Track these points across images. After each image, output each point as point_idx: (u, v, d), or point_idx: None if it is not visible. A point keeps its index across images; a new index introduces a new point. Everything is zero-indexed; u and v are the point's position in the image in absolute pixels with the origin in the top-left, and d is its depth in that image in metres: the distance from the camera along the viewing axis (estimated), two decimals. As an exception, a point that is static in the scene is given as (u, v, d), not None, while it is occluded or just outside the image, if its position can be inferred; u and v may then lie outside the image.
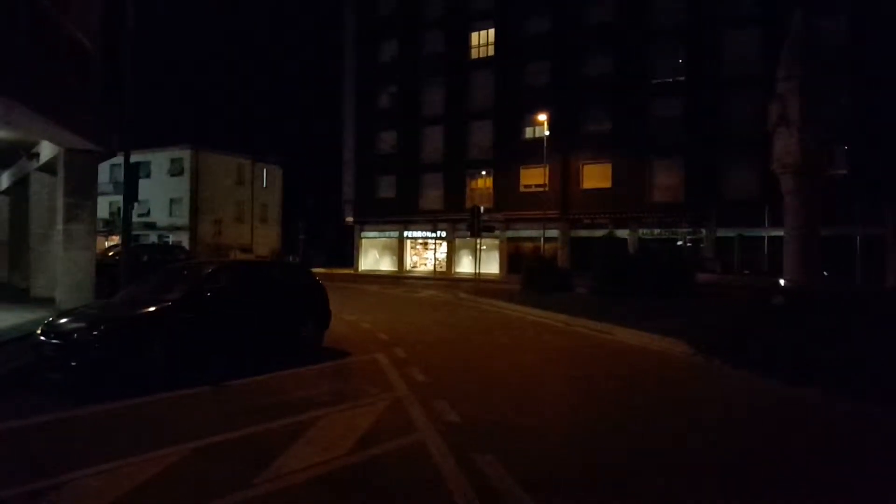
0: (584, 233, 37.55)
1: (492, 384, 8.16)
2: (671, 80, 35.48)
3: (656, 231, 35.40)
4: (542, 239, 36.93)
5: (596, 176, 37.81)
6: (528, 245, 39.84)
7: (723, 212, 33.30)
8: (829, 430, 6.32)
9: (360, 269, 46.43)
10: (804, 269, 14.57)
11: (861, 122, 29.52)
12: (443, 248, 43.72)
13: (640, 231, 35.65)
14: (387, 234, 46.27)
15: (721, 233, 34.14)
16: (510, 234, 40.72)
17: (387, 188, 45.51)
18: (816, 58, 13.93)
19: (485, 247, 42.45)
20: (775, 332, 10.06)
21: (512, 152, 40.21)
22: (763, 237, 32.49)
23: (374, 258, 47.22)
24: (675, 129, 35.21)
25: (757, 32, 33.22)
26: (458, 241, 42.70)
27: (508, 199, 40.18)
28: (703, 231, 34.29)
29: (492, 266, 41.36)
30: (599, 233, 33.45)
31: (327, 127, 51.42)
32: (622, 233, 34.49)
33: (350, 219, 47.45)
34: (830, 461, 5.33)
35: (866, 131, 29.67)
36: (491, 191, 41.48)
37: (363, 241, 47.38)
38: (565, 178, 38.36)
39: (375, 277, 38.98)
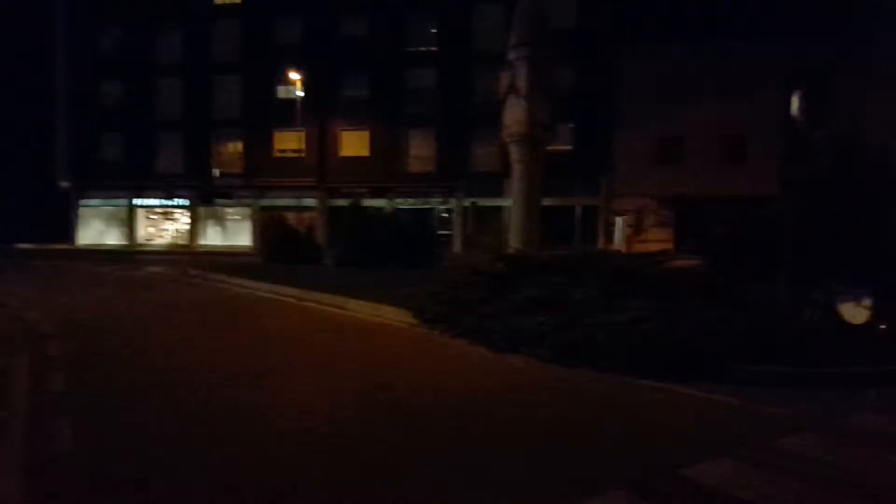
0: (342, 202, 36.41)
1: (137, 392, 6.49)
2: (424, 49, 35.63)
3: (411, 201, 35.68)
4: (298, 209, 35.03)
5: (354, 144, 36.80)
6: (287, 216, 37.61)
7: (471, 182, 34.61)
8: (518, 393, 5.92)
9: (79, 244, 39.65)
10: (528, 236, 15.07)
11: (583, 100, 32.35)
12: (186, 219, 39.33)
13: (397, 201, 35.65)
14: (114, 202, 40.10)
15: (471, 202, 35.55)
16: (265, 202, 38.03)
17: (113, 148, 39.31)
18: (545, 28, 14.17)
19: (237, 217, 39.40)
20: (493, 300, 9.87)
21: (264, 113, 37.33)
22: (502, 207, 34.63)
23: (97, 231, 40.62)
24: (428, 99, 35.54)
25: (502, 8, 34.68)
26: (203, 210, 38.72)
27: (262, 165, 37.39)
28: (453, 201, 35.38)
29: (243, 238, 38.34)
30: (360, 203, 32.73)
31: (30, 69, 42.41)
32: (380, 202, 34.14)
33: (66, 184, 40.19)
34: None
35: (586, 108, 32.65)
36: (241, 155, 38.20)
37: (83, 210, 40.57)
38: (323, 144, 36.76)
39: (100, 253, 33.53)
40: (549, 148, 15.71)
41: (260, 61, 37.30)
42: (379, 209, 32.00)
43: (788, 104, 8.07)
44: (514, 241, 15.50)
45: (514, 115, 13.69)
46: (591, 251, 13.20)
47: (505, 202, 33.75)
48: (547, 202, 35.91)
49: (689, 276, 11.73)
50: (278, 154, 37.88)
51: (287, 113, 35.96)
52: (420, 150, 36.20)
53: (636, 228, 33.54)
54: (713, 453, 4.56)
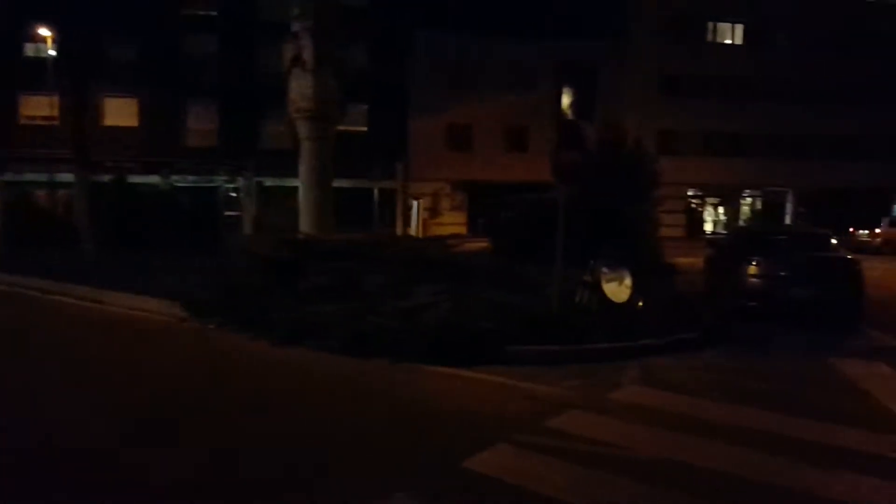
0: (107, 178, 32.14)
1: None
2: (203, 13, 32.63)
3: (191, 179, 32.68)
4: (52, 185, 30.12)
5: (120, 112, 32.59)
6: (37, 193, 32.22)
7: (261, 160, 32.68)
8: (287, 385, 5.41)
9: None
10: (320, 219, 14.43)
11: (377, 81, 32.15)
12: None
13: (174, 178, 32.40)
14: None
15: (261, 181, 33.60)
16: (9, 177, 32.20)
17: None
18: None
19: (-28, 194, 32.98)
20: (277, 289, 9.16)
21: (8, 73, 31.48)
22: (296, 187, 33.29)
23: None
24: (209, 69, 32.68)
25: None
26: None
27: (4, 134, 31.55)
28: (241, 180, 33.18)
29: (-20, 218, 32.11)
30: (128, 179, 29.09)
31: None
32: (153, 179, 30.70)
33: None
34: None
35: (381, 92, 32.53)
36: (-24, 120, 31.88)
37: None
38: (80, 112, 31.95)
39: None
40: (344, 128, 15.18)
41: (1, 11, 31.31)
42: (153, 187, 28.82)
43: (559, 98, 8.44)
44: (304, 225, 14.73)
45: (300, 89, 12.88)
46: (384, 235, 12.96)
47: (298, 182, 32.50)
48: (344, 184, 35.24)
49: (476, 260, 12.11)
50: (25, 121, 32.34)
51: (37, 74, 30.70)
52: (200, 123, 33.21)
53: (432, 212, 34.47)
54: (492, 440, 4.47)
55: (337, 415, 5.29)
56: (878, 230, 25.55)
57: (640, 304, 8.46)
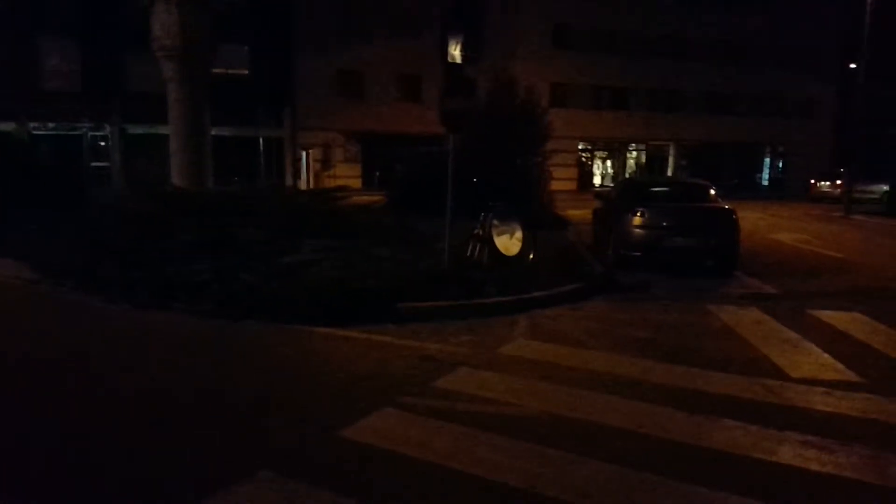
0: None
1: None
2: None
3: (51, 126, 29.44)
4: None
5: (-39, 51, 28.54)
6: None
7: (131, 105, 29.90)
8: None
9: None
10: (193, 171, 13.35)
11: (257, 20, 30.04)
12: None
13: (31, 125, 29.04)
14: None
15: (132, 129, 30.84)
16: None
17: None
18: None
19: None
20: (143, 247, 8.28)
21: None
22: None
23: None
24: (68, 4, 29.16)
25: None
26: None
27: None
28: (108, 127, 30.30)
29: None
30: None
31: None
32: (7, 127, 27.32)
33: None
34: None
35: (263, 32, 30.49)
36: None
37: None
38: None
39: None
40: (221, 70, 13.94)
41: None
42: (6, 135, 25.67)
43: (445, 42, 8.02)
44: (177, 176, 13.57)
45: (163, 24, 11.62)
46: (266, 188, 12.14)
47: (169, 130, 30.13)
48: (225, 133, 33.13)
49: (366, 214, 11.60)
50: None
51: None
52: (60, 64, 29.82)
53: (324, 164, 33.17)
54: (376, 405, 4.16)
55: (196, 384, 4.75)
56: (839, 182, 27.55)
57: (532, 256, 8.40)
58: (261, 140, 32.49)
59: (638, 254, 9.25)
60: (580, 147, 36.16)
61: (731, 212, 9.46)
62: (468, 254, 7.88)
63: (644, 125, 35.44)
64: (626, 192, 10.55)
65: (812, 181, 31.80)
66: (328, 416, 4.07)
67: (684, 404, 4.25)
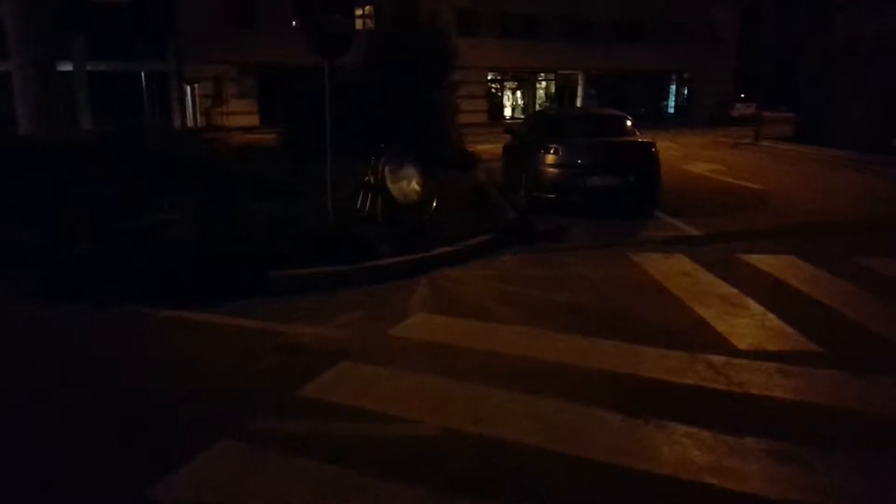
0: None
1: None
2: None
3: None
4: None
5: None
6: None
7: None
8: None
9: None
10: (41, 111, 11.32)
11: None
12: None
13: None
14: None
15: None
16: None
17: None
18: None
19: None
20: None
21: None
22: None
23: None
24: None
25: None
26: None
27: None
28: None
29: None
30: None
31: None
32: None
33: None
34: None
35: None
36: None
37: None
38: None
39: None
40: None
41: None
42: None
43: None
44: (24, 118, 11.49)
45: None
46: (119, 129, 10.30)
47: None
48: (102, 67, 29.50)
49: (246, 162, 10.04)
50: None
51: None
52: None
53: (216, 100, 30.29)
54: (212, 436, 3.04)
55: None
56: (755, 105, 27.17)
57: (435, 205, 7.31)
58: (143, 75, 29.26)
59: (552, 196, 8.34)
60: (490, 77, 34.86)
61: (650, 145, 8.64)
62: (358, 206, 6.69)
63: (553, 54, 34.40)
64: (537, 128, 9.50)
65: (729, 105, 32.39)
66: (135, 461, 2.91)
67: (618, 401, 3.37)
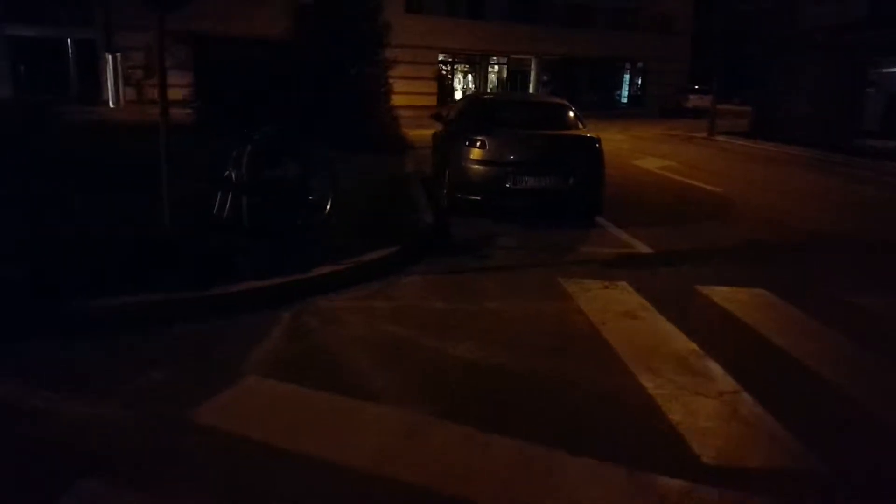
0: None
1: None
2: None
3: None
4: None
5: None
6: None
7: None
8: None
9: None
10: None
11: None
12: None
13: None
14: None
15: None
16: None
17: None
18: None
19: None
20: None
21: None
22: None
23: None
24: None
25: None
26: None
27: None
28: None
29: None
30: None
31: None
32: None
33: None
34: None
35: None
36: None
37: None
38: None
39: None
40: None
41: None
42: None
43: None
44: None
45: None
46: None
47: None
48: (23, 32, 26.71)
49: (117, 142, 8.28)
50: None
51: None
52: None
53: (147, 71, 27.64)
54: None
55: None
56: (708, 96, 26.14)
57: (328, 207, 5.81)
58: (69, 42, 26.54)
59: (477, 198, 6.91)
60: (440, 59, 33.14)
61: (594, 141, 7.25)
62: (216, 209, 5.12)
63: (504, 37, 32.82)
64: (464, 114, 8.01)
65: (682, 96, 31.64)
66: None
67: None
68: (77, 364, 3.48)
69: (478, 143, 6.85)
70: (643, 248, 6.36)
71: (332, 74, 12.26)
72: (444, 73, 34.02)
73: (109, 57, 26.04)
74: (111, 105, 24.42)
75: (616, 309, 4.61)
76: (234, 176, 4.99)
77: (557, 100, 8.53)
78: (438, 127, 9.01)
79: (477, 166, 6.87)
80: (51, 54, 26.52)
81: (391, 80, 13.98)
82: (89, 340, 3.76)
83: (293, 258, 4.91)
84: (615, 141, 16.49)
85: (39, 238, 4.46)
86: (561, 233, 6.89)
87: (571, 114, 7.78)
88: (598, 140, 7.25)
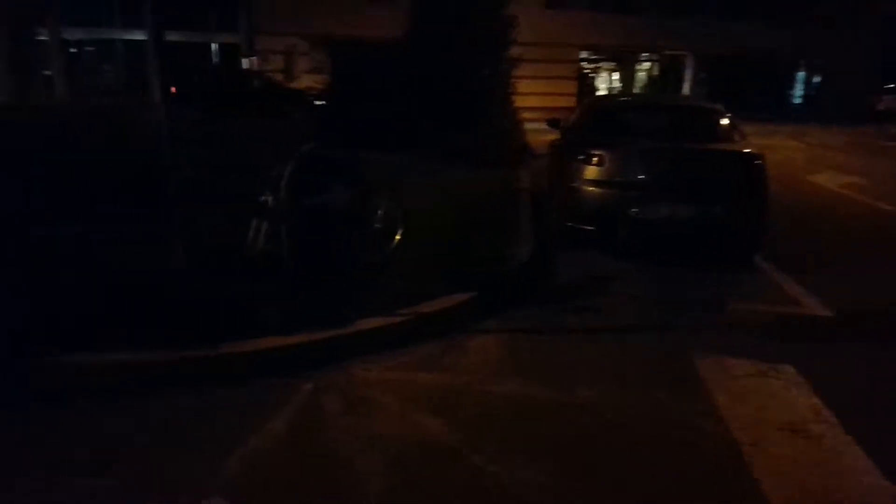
0: None
1: None
2: None
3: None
4: None
5: None
6: None
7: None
8: None
9: None
10: (19, 82, 9.91)
11: None
12: None
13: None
14: None
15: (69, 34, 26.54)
16: None
17: None
18: None
19: None
20: None
21: None
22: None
23: None
24: None
25: None
26: None
27: None
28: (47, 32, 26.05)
29: None
30: None
31: None
32: None
33: None
34: None
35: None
36: None
37: None
38: None
39: None
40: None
41: None
42: None
43: None
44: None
45: None
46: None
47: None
48: (175, 38, 28.78)
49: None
50: None
51: None
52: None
53: (286, 74, 28.80)
54: None
55: None
56: None
57: (397, 238, 4.72)
58: (212, 46, 28.31)
59: (591, 228, 5.47)
60: (582, 56, 31.13)
61: (752, 159, 5.46)
62: (250, 240, 4.20)
63: (654, 31, 30.00)
64: (583, 122, 6.51)
65: (874, 96, 27.33)
66: None
67: None
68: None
69: (594, 159, 5.39)
70: (819, 309, 4.58)
71: (452, 77, 11.28)
72: (585, 71, 32.02)
73: (245, 61, 27.26)
74: (241, 107, 25.41)
75: (775, 417, 3.05)
76: (269, 201, 4.05)
77: (706, 103, 6.79)
78: (555, 135, 7.58)
79: (592, 188, 5.42)
80: (198, 59, 28.40)
81: (518, 80, 12.72)
82: (60, 408, 2.98)
83: (335, 305, 3.88)
84: (786, 150, 13.96)
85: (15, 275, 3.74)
86: (701, 279, 5.25)
87: (724, 122, 6.02)
88: (760, 157, 5.46)
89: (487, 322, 4.20)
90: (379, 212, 4.59)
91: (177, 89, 12.28)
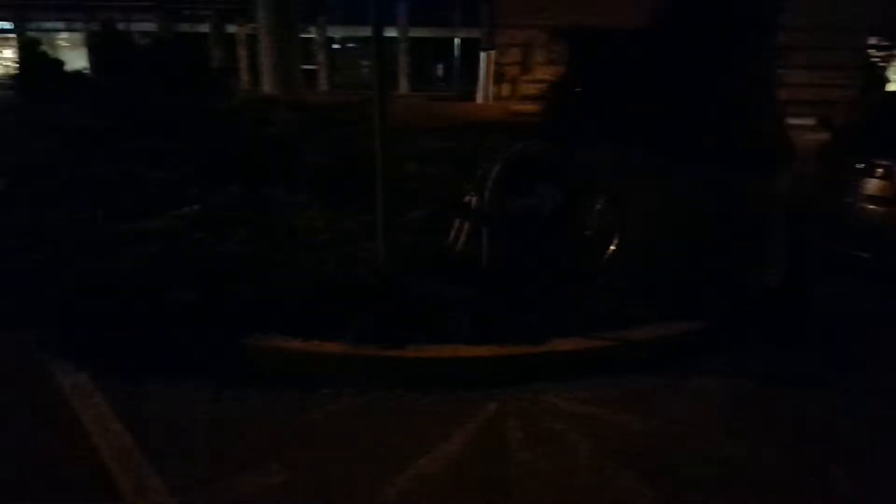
0: (186, 27, 29.99)
1: None
2: None
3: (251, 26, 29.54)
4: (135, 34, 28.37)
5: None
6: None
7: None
8: None
9: None
10: (283, 76, 11.26)
11: None
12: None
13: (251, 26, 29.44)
14: None
15: (334, 31, 29.65)
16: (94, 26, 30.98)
17: None
18: None
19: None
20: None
21: None
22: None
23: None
24: None
25: None
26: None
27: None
28: (314, 29, 29.47)
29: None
30: (203, 28, 27.34)
31: None
32: (231, 29, 28.10)
33: None
34: None
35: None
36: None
37: None
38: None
39: None
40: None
41: None
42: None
43: None
44: (268, 83, 11.48)
45: None
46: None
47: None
48: (421, 34, 30.66)
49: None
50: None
51: None
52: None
53: (523, 67, 28.91)
54: None
55: None
56: None
57: (612, 248, 4.18)
58: (455, 42, 29.47)
59: (866, 255, 4.31)
60: (871, 42, 26.32)
61: None
62: (450, 240, 3.97)
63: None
64: (868, 122, 5.16)
65: None
66: None
67: None
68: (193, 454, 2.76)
69: (880, 170, 4.25)
70: None
71: (706, 67, 10.08)
72: (874, 60, 27.10)
73: (483, 55, 27.73)
74: (478, 101, 25.82)
75: None
76: (474, 201, 3.78)
77: None
78: (827, 136, 6.21)
79: (874, 206, 4.28)
80: (441, 54, 29.68)
81: (786, 71, 11.02)
82: (250, 399, 3.06)
83: (530, 317, 3.50)
84: None
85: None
86: None
87: None
88: None
89: (714, 360, 3.49)
90: (594, 217, 4.09)
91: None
